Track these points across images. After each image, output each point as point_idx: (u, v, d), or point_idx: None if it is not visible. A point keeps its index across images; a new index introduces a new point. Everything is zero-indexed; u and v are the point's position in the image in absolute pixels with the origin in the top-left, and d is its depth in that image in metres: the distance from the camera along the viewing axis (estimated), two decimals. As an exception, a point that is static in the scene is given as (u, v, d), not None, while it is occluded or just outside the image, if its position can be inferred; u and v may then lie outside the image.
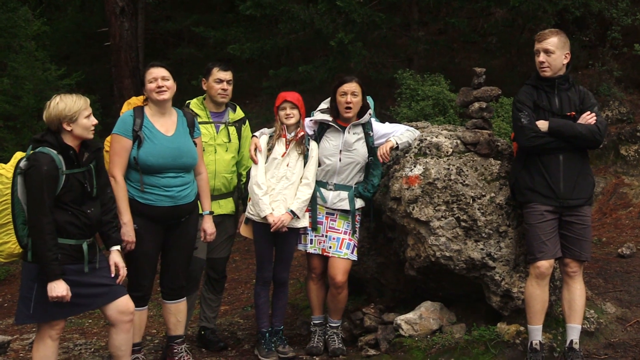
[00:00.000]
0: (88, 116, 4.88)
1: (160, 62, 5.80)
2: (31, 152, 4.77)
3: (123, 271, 5.07)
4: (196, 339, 6.72)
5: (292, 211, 5.95)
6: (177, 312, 5.82)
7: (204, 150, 5.99)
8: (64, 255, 4.74)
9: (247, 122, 6.58)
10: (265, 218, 5.91)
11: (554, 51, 5.46)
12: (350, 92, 6.00)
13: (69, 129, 4.81)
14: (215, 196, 6.24)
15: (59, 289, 4.65)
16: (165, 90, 5.54)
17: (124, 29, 15.92)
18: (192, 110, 6.20)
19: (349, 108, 6.01)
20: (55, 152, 4.74)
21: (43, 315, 4.81)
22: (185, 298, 5.88)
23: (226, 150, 6.28)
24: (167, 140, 5.51)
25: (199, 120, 6.10)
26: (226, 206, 6.36)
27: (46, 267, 4.65)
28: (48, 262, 4.64)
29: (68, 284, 4.72)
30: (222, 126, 6.32)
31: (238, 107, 6.54)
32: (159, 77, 5.52)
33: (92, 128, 4.91)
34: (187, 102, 6.39)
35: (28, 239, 4.72)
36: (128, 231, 5.36)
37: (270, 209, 5.91)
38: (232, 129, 6.38)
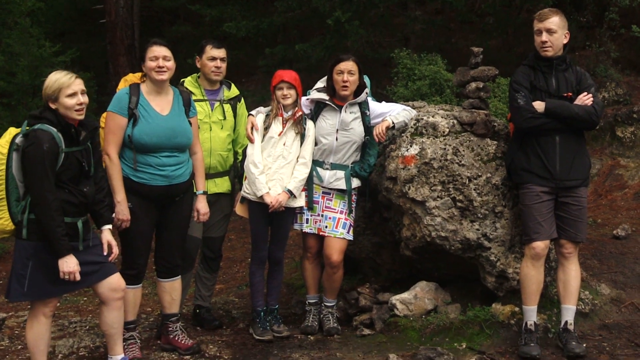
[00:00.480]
0: (71, 95, 4.73)
1: (162, 40, 5.71)
2: (28, 128, 4.72)
3: (115, 249, 5.06)
4: (191, 317, 6.72)
5: (289, 190, 5.94)
6: (172, 290, 5.82)
7: (199, 128, 5.96)
8: None
9: (242, 99, 6.53)
10: (261, 197, 5.90)
11: (556, 30, 5.43)
12: (347, 70, 5.97)
13: (53, 107, 4.74)
14: (211, 174, 6.21)
15: (71, 263, 4.67)
16: (165, 71, 5.46)
17: (119, 6, 15.87)
18: (187, 88, 6.16)
19: (346, 86, 5.98)
20: (55, 129, 4.69)
21: (37, 293, 4.80)
22: (180, 276, 5.87)
23: (221, 128, 6.24)
24: (162, 120, 5.45)
25: (194, 98, 6.04)
26: (222, 185, 6.33)
27: (57, 243, 4.64)
28: (58, 237, 4.63)
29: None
30: (217, 104, 6.26)
31: (233, 85, 6.49)
32: (160, 57, 5.44)
33: (78, 108, 4.76)
34: (182, 80, 6.34)
35: (22, 216, 4.70)
36: (122, 210, 5.34)
37: (267, 188, 5.89)
38: (227, 107, 6.32)
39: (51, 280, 4.73)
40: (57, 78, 4.75)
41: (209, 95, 6.26)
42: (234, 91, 6.44)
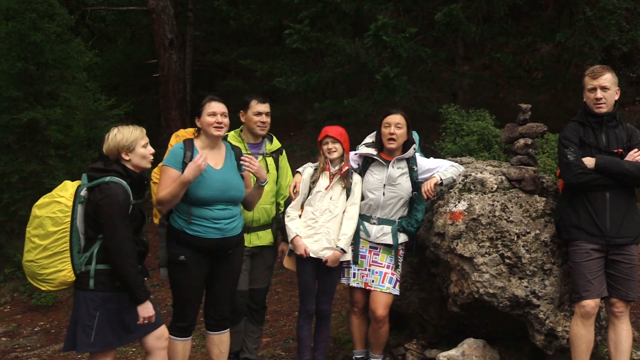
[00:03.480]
0: (145, 145, 5.05)
1: (218, 97, 5.84)
2: (93, 182, 4.87)
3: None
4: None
5: (341, 249, 6.01)
6: (220, 343, 5.84)
7: None
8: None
9: (284, 152, 6.64)
10: (292, 242, 6.05)
11: (609, 87, 5.44)
12: (394, 123, 6.03)
13: (127, 158, 4.97)
14: (255, 227, 6.31)
15: (150, 308, 4.85)
16: (223, 127, 5.60)
17: (172, 60, 16.20)
18: (230, 143, 6.27)
19: (393, 139, 6.03)
20: (124, 182, 4.88)
21: (103, 343, 4.89)
22: (228, 329, 5.90)
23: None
24: (216, 174, 5.55)
25: None
26: (265, 237, 6.41)
27: (137, 289, 4.80)
28: (139, 285, 4.81)
29: (123, 310, 4.87)
30: (260, 157, 6.36)
31: (275, 138, 6.60)
32: (219, 113, 5.58)
33: (150, 157, 5.09)
34: (225, 134, 6.45)
35: (86, 267, 4.84)
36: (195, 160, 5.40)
37: (295, 232, 6.03)
38: (270, 160, 6.44)
39: (116, 330, 4.87)
40: (132, 131, 5.04)
41: (252, 149, 6.37)
42: (276, 144, 6.55)
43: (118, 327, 4.88)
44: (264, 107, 6.37)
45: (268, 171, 6.36)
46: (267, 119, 6.40)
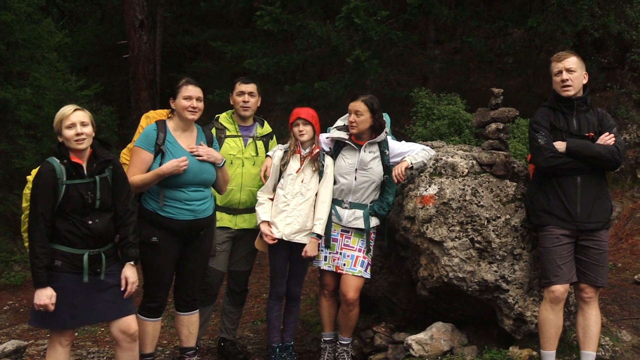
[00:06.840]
0: (69, 126, 4.79)
1: (194, 80, 5.78)
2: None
3: (131, 287, 5.02)
4: (217, 350, 6.75)
5: (317, 235, 5.98)
6: (190, 324, 5.84)
7: (231, 163, 6.08)
8: (65, 263, 4.78)
9: (274, 137, 6.64)
10: (259, 227, 6.01)
11: (575, 69, 5.43)
12: (354, 110, 6.00)
13: (60, 140, 4.85)
14: (241, 210, 6.34)
15: (42, 296, 4.69)
16: (197, 111, 5.59)
17: (142, 41, 16.07)
18: (222, 124, 6.31)
19: (353, 127, 6.01)
20: (58, 161, 4.78)
21: (43, 321, 4.87)
22: (197, 310, 5.90)
23: (253, 164, 6.35)
24: (188, 156, 5.51)
25: (228, 133, 6.27)
26: (251, 220, 6.39)
27: (33, 274, 4.72)
28: (34, 269, 4.70)
29: (64, 292, 4.75)
30: (250, 140, 6.40)
31: (266, 122, 6.63)
32: (195, 97, 5.57)
33: (77, 138, 4.79)
34: (217, 115, 6.46)
35: None
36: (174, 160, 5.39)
37: (263, 218, 5.98)
38: (260, 144, 6.44)
39: (64, 311, 4.77)
40: (60, 111, 4.85)
41: (242, 132, 6.40)
42: (267, 128, 6.57)
43: (66, 308, 4.79)
44: (247, 87, 6.38)
45: (257, 154, 6.39)
46: (251, 99, 6.39)
